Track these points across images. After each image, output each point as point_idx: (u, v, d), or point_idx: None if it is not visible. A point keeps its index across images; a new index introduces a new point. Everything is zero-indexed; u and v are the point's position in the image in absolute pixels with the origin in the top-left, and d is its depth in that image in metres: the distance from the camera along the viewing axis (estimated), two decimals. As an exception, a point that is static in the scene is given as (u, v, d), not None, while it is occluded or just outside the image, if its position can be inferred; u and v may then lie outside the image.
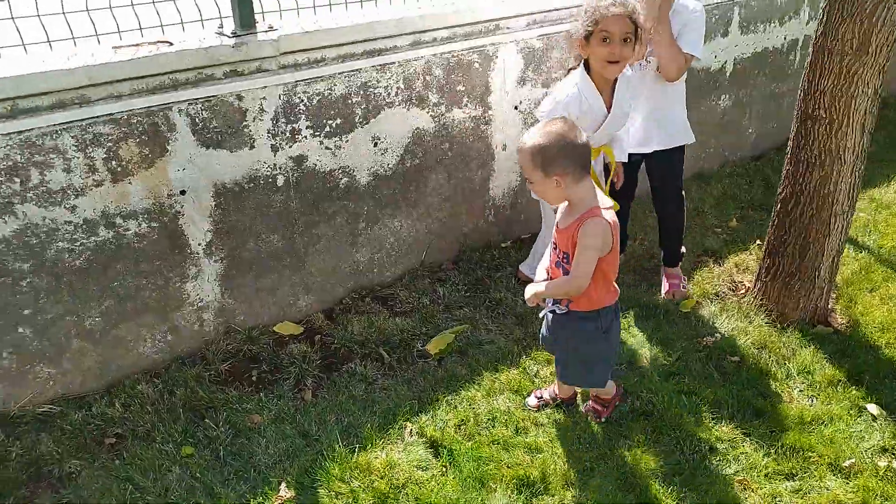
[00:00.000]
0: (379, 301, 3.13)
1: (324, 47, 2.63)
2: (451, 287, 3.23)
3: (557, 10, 3.31)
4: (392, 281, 3.26)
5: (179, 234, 2.57)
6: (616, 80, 2.65)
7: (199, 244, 2.63)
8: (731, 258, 3.53)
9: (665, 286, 3.24)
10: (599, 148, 2.78)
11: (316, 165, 2.81)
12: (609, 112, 2.67)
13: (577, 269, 2.00)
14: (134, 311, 2.57)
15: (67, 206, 2.29)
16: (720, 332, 2.94)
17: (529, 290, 2.19)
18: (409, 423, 2.44)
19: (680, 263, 3.29)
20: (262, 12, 2.59)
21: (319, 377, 2.69)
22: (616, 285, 2.19)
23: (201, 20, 2.51)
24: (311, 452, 2.30)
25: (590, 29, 2.49)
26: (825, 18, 2.47)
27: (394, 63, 2.87)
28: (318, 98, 2.70)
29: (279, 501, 2.13)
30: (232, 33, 2.48)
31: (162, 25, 2.44)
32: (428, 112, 3.07)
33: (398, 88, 2.92)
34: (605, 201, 2.04)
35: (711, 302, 3.18)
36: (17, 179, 2.17)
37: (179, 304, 2.67)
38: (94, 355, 2.53)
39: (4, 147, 2.11)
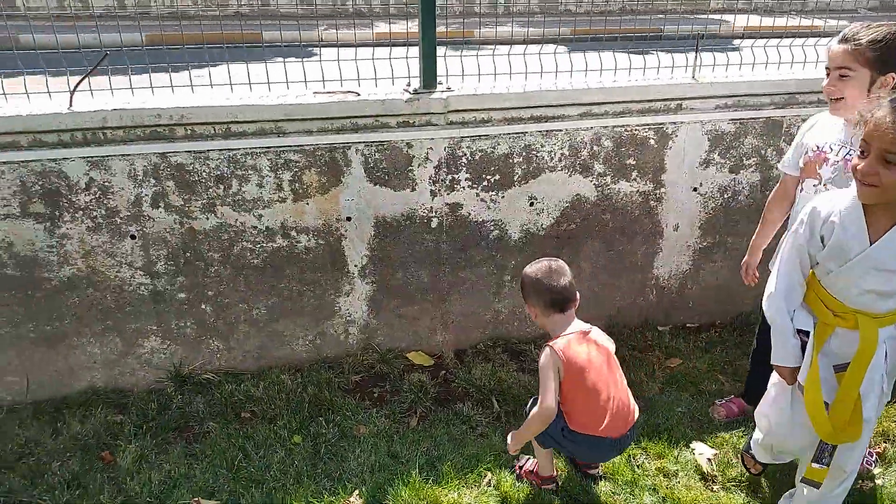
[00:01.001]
0: (510, 354, 3.21)
1: (490, 109, 2.86)
2: (586, 357, 3.18)
3: (756, 95, 3.17)
4: (531, 338, 3.32)
5: (340, 254, 2.96)
6: None
7: (356, 266, 2.99)
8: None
9: None
10: (852, 314, 1.89)
11: (470, 214, 3.03)
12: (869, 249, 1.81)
13: (540, 397, 2.16)
14: (293, 312, 3.00)
15: (255, 214, 2.80)
16: (885, 478, 2.50)
17: (509, 438, 2.31)
18: (489, 473, 2.49)
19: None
20: (447, 75, 2.93)
21: (430, 408, 2.85)
22: (611, 424, 2.16)
23: (392, 78, 2.91)
24: (392, 473, 2.47)
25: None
26: None
27: (560, 130, 3.00)
28: (480, 154, 2.94)
29: (346, 504, 2.33)
30: (414, 91, 2.84)
31: (359, 79, 2.88)
32: (591, 181, 3.13)
33: (562, 154, 3.04)
34: (580, 326, 2.23)
35: (892, 444, 2.70)
36: (222, 187, 2.72)
37: (331, 315, 3.05)
38: (255, 341, 3.00)
39: (217, 160, 2.68)
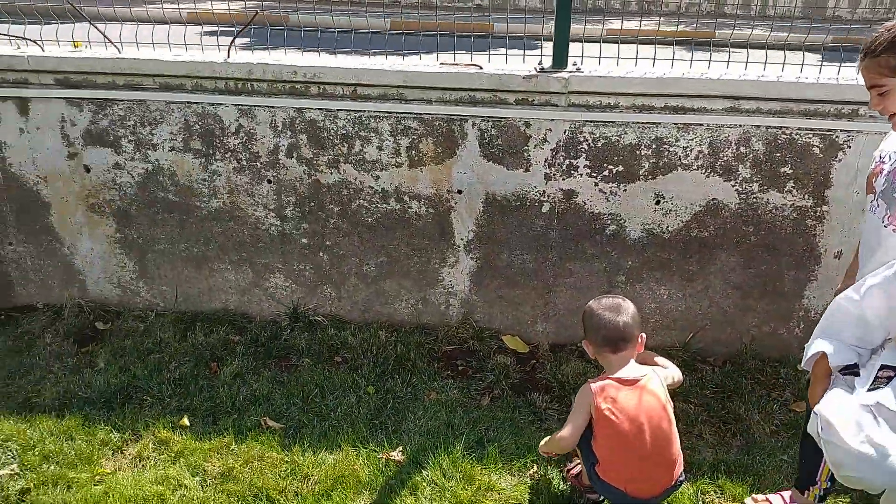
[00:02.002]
0: (611, 358, 3.01)
1: (617, 94, 2.69)
2: (697, 380, 2.87)
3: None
4: (641, 347, 3.07)
5: (448, 225, 3.01)
6: None
7: (462, 239, 3.03)
8: None
9: None
10: None
11: (585, 204, 2.89)
12: None
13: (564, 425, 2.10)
14: (399, 274, 3.13)
15: (373, 175, 2.96)
16: None
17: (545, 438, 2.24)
18: (536, 466, 2.39)
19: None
20: (582, 56, 2.81)
21: (506, 392, 2.80)
22: (638, 484, 2.01)
23: (524, 54, 2.88)
24: (439, 440, 2.48)
25: None
26: None
27: (701, 125, 2.72)
28: (603, 141, 2.78)
29: (386, 456, 2.41)
30: (540, 69, 2.77)
31: (490, 53, 2.89)
32: (733, 185, 2.79)
33: (700, 152, 2.76)
34: (632, 372, 2.04)
35: None
36: (346, 146, 2.93)
37: (434, 283, 3.13)
38: (363, 294, 3.19)
39: (344, 120, 2.88)
